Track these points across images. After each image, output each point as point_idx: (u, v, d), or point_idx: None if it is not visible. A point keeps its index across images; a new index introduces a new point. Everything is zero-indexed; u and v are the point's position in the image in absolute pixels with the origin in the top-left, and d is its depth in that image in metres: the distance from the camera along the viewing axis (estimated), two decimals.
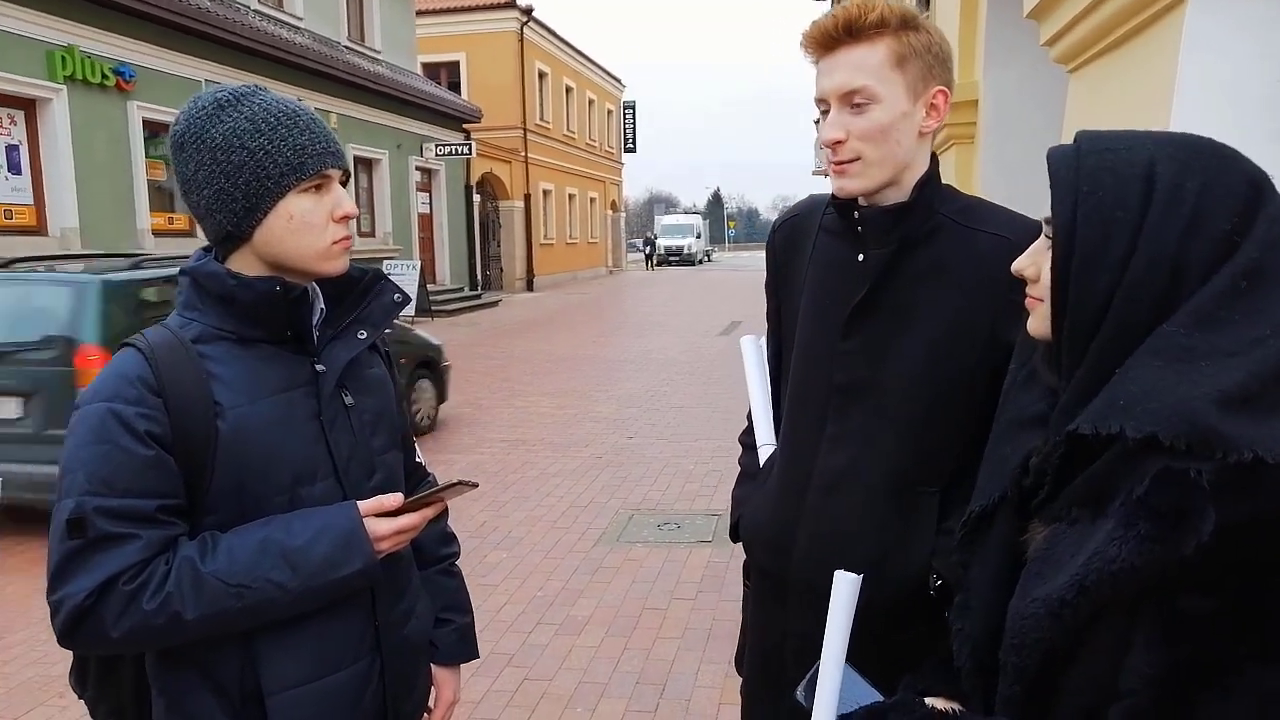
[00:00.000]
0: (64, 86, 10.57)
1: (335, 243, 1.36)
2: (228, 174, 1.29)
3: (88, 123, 10.92)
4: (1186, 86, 2.41)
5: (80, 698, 1.49)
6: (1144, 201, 0.89)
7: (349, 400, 1.43)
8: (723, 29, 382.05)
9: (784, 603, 1.61)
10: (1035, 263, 1.01)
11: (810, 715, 1.11)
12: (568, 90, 33.39)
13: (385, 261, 16.64)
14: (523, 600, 4.42)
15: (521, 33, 27.93)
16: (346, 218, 1.37)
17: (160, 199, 12.44)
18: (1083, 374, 0.92)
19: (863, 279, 1.53)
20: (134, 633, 1.21)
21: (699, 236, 49.23)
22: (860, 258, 1.55)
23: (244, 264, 1.34)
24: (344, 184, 1.39)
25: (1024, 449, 1.02)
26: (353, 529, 1.31)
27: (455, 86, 26.13)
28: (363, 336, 1.44)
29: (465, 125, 22.39)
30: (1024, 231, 1.47)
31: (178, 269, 1.40)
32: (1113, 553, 0.83)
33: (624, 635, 4.03)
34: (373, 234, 18.12)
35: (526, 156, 28.01)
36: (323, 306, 1.43)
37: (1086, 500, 0.90)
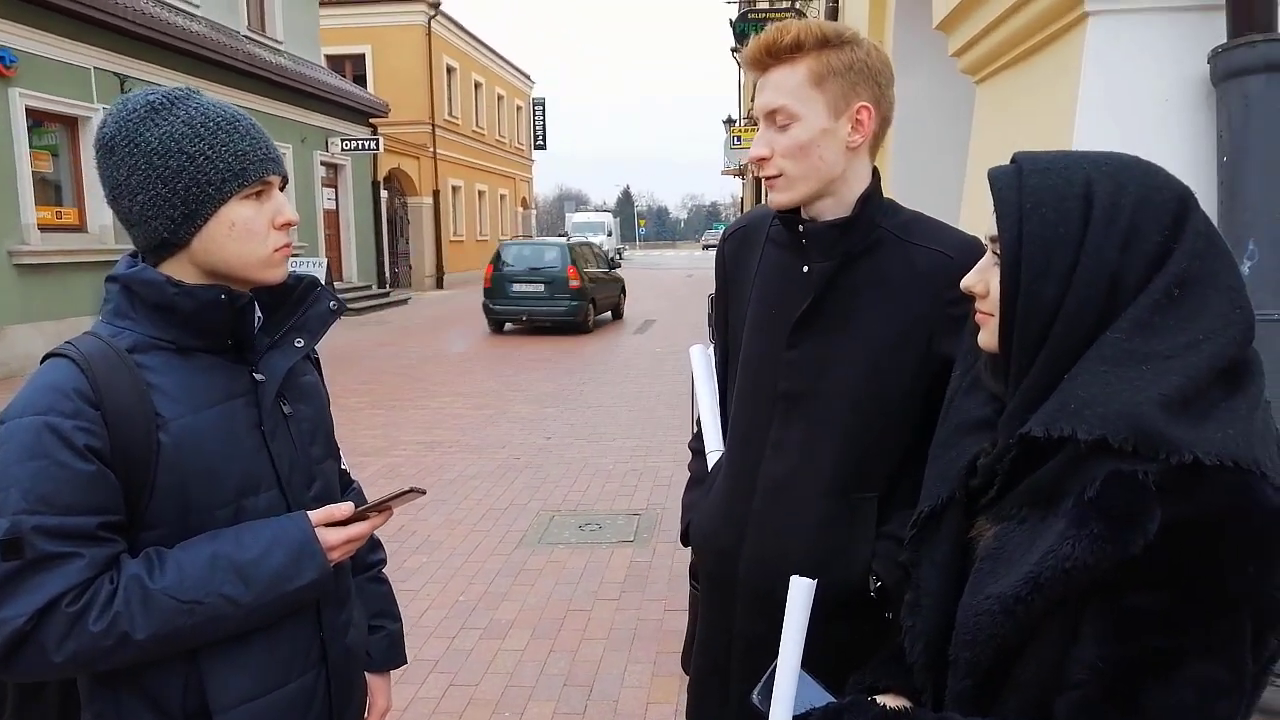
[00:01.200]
0: None
1: (276, 250, 1.34)
2: (165, 179, 1.25)
3: None
4: (1088, 98, 2.54)
5: None
6: (1084, 218, 0.95)
7: (287, 409, 1.40)
8: (631, 28, 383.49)
9: (732, 606, 1.64)
10: (984, 280, 1.05)
11: (766, 717, 1.14)
12: (477, 85, 33.01)
13: (290, 259, 16.11)
14: (445, 605, 4.37)
15: (429, 26, 27.48)
16: (288, 224, 1.35)
17: (46, 192, 11.80)
18: (1031, 380, 0.97)
19: (806, 291, 1.56)
20: (79, 656, 1.16)
21: (611, 234, 49.13)
22: (805, 269, 1.58)
23: (179, 271, 1.30)
24: (282, 189, 1.36)
25: (970, 452, 1.07)
26: (305, 540, 1.29)
27: (361, 80, 25.53)
28: (300, 344, 1.42)
29: (372, 120, 21.89)
30: (961, 247, 1.53)
31: (106, 276, 1.34)
32: (1066, 551, 0.88)
33: (549, 638, 4.01)
34: None
35: (435, 152, 27.57)
36: (259, 314, 1.39)
37: (1037, 499, 0.95)
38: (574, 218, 52.27)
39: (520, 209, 39.90)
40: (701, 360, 1.90)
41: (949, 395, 1.17)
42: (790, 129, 1.51)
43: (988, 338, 1.05)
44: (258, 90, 16.24)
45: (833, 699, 1.13)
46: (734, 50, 21.60)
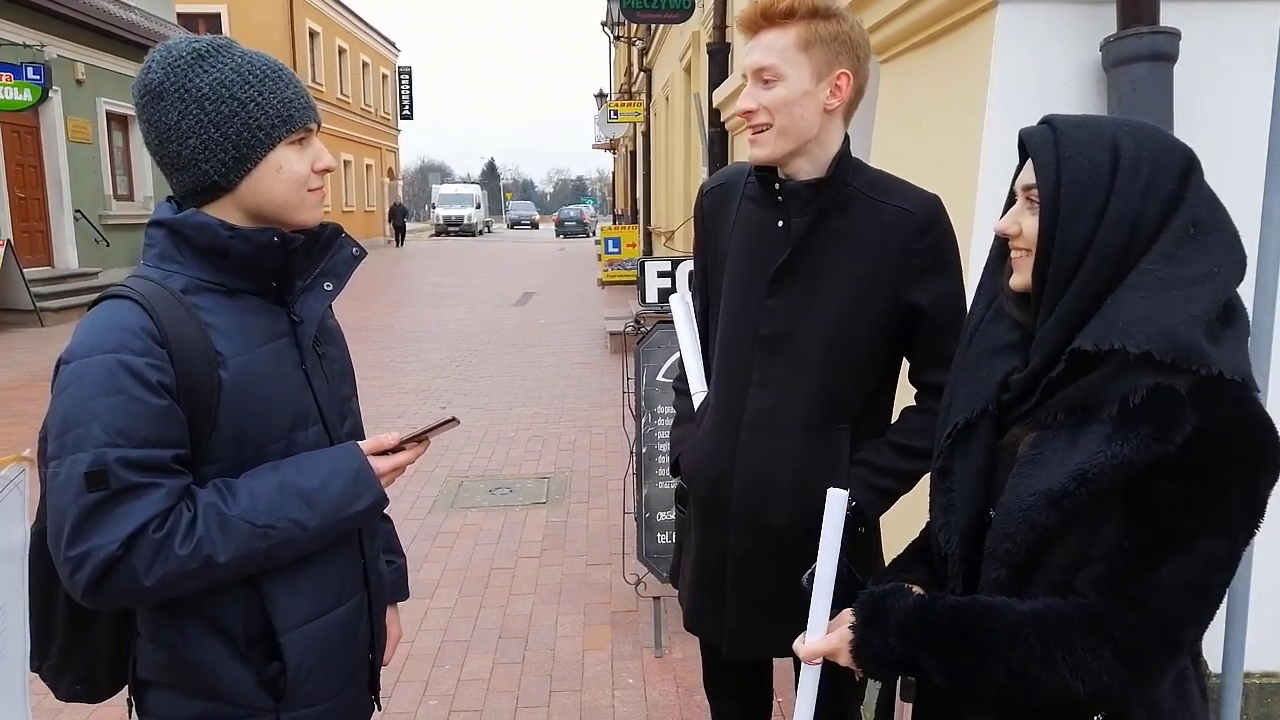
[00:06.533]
0: None
1: (312, 191, 1.40)
2: (217, 124, 1.29)
3: None
4: (998, 80, 2.80)
5: (34, 670, 1.44)
6: (1113, 168, 1.13)
7: (320, 350, 1.48)
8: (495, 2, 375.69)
9: (724, 527, 1.81)
10: (1017, 222, 1.22)
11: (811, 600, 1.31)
12: (341, 51, 31.83)
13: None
14: None
15: None
16: (326, 170, 1.41)
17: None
18: (1066, 305, 1.15)
19: (784, 244, 1.72)
20: (167, 579, 1.22)
21: (479, 207, 48.31)
22: (780, 224, 1.74)
23: (223, 215, 1.35)
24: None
25: (1002, 370, 1.24)
26: (360, 467, 1.38)
27: None
28: (329, 288, 1.48)
29: None
30: (923, 204, 1.73)
31: (149, 221, 1.37)
32: (1115, 450, 1.06)
33: (477, 595, 4.10)
34: (131, 197, 16.55)
35: None
36: None
37: (1075, 406, 1.13)
38: (440, 189, 51.12)
39: (387, 180, 38.79)
40: (681, 308, 2.05)
41: (971, 326, 1.34)
42: (775, 87, 1.66)
43: (1021, 279, 1.22)
44: (107, 47, 15.22)
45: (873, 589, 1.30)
46: (605, 24, 21.60)
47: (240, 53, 1.34)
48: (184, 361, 1.25)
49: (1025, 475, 1.16)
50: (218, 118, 1.29)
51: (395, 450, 1.44)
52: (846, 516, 1.74)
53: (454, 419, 1.45)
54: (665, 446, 3.55)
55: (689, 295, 2.05)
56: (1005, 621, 1.14)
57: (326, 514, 1.33)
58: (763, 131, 1.69)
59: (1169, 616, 1.08)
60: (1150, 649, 1.09)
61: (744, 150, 7.37)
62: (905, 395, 1.86)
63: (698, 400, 1.94)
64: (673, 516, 3.54)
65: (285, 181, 1.35)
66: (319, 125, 1.43)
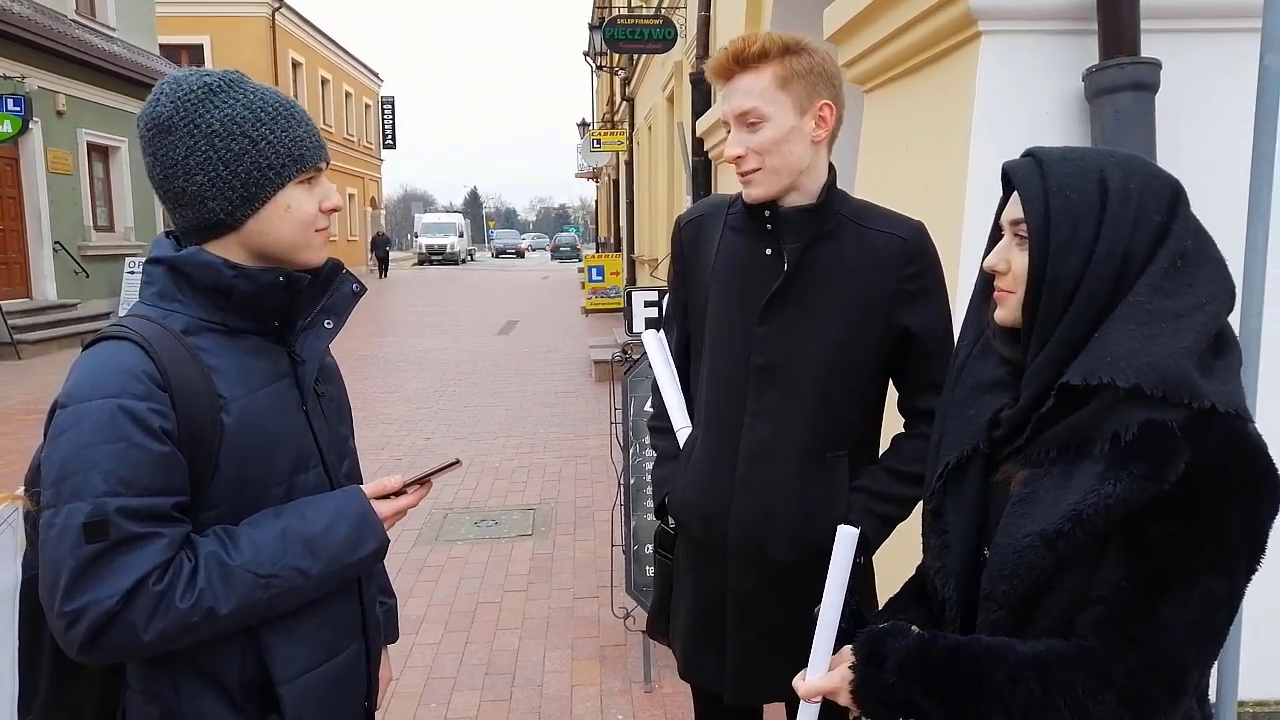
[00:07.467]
0: None
1: (318, 231, 1.37)
2: (226, 161, 1.26)
3: None
4: (982, 108, 2.82)
5: None
6: (1101, 200, 1.11)
7: (319, 390, 1.45)
8: (475, 28, 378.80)
9: (722, 566, 1.77)
10: (1005, 258, 1.20)
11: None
12: (324, 82, 31.93)
13: (128, 258, 15.17)
14: None
15: (273, 19, 26.39)
16: (334, 209, 1.39)
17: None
18: (1057, 339, 1.12)
19: (777, 271, 1.71)
20: (167, 633, 1.17)
21: (462, 235, 48.29)
22: (768, 252, 1.73)
23: (226, 253, 1.32)
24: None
25: (991, 408, 1.22)
26: (364, 513, 1.34)
27: None
28: (329, 326, 1.45)
29: None
30: (912, 231, 1.73)
31: (144, 259, 1.34)
32: (1108, 489, 1.04)
33: (463, 630, 4.04)
34: (111, 228, 16.43)
35: None
36: None
37: (1067, 443, 1.10)
38: (423, 218, 51.07)
39: (369, 209, 38.78)
40: (655, 345, 2.01)
41: (958, 363, 1.31)
42: (761, 128, 1.66)
43: (1006, 313, 1.20)
44: (89, 79, 15.16)
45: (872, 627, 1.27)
46: (587, 54, 21.75)
47: (252, 89, 1.32)
48: (186, 405, 1.22)
49: (1019, 515, 1.13)
50: (228, 155, 1.26)
51: (398, 494, 1.40)
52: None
53: (456, 461, 1.44)
54: None
55: (662, 332, 2.03)
56: (1006, 663, 1.11)
57: (329, 560, 1.30)
58: (755, 172, 1.68)
59: (1172, 658, 1.06)
60: (1153, 692, 1.06)
61: (727, 178, 7.43)
62: (892, 424, 1.85)
63: (682, 437, 1.91)
64: None
65: (293, 221, 1.32)
66: (328, 164, 1.41)
